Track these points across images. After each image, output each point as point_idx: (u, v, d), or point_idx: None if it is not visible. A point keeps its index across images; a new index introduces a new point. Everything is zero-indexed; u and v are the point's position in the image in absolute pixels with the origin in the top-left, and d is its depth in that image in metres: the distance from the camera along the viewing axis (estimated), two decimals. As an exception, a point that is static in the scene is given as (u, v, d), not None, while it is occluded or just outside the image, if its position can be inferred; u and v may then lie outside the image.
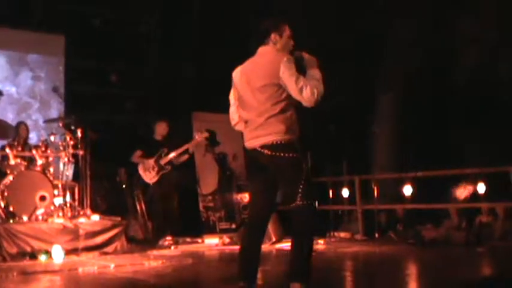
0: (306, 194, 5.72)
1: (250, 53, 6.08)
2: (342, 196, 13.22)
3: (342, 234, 12.45)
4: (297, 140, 5.81)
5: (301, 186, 5.70)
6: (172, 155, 11.08)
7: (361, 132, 13.57)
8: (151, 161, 11.07)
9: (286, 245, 10.86)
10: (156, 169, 11.07)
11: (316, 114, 13.14)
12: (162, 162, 11.07)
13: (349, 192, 13.02)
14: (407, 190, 12.33)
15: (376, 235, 12.19)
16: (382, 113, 13.82)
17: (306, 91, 5.68)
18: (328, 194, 13.16)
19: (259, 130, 5.83)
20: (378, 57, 13.46)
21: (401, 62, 13.41)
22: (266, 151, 5.78)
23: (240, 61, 6.09)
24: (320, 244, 11.07)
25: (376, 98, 13.88)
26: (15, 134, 10.75)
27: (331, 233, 12.51)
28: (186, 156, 11.37)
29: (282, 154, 5.72)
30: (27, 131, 11.10)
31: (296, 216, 5.85)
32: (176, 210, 11.24)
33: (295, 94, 5.72)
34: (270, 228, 11.16)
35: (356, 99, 13.24)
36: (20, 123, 11.16)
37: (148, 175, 11.10)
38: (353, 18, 12.96)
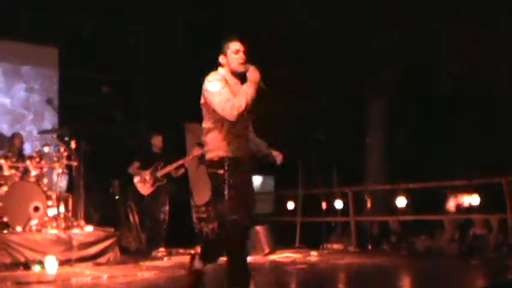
0: (230, 210, 5.89)
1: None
2: (334, 208, 13.25)
3: (335, 246, 12.47)
4: (227, 156, 5.98)
5: (227, 203, 5.92)
6: (168, 168, 11.13)
7: (353, 143, 13.58)
8: (147, 173, 11.11)
9: (278, 256, 10.90)
10: (151, 181, 11.11)
11: (305, 125, 13.32)
12: (159, 174, 11.11)
13: (343, 204, 13.05)
14: (401, 201, 12.36)
15: (370, 247, 12.21)
16: (373, 123, 13.85)
17: (225, 106, 5.84)
18: (321, 205, 13.18)
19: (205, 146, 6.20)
20: (366, 64, 13.50)
21: (389, 69, 13.45)
22: (207, 168, 6.14)
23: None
24: (313, 256, 11.09)
25: (366, 108, 13.91)
26: (10, 144, 10.76)
27: (324, 245, 12.53)
28: (182, 170, 11.44)
29: (212, 170, 6.03)
30: (22, 141, 11.13)
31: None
32: (169, 222, 11.26)
33: (217, 110, 5.91)
34: (263, 239, 11.20)
35: (347, 109, 13.27)
36: (15, 134, 11.20)
37: (144, 187, 11.13)
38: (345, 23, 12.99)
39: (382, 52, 13.31)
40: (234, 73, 6.15)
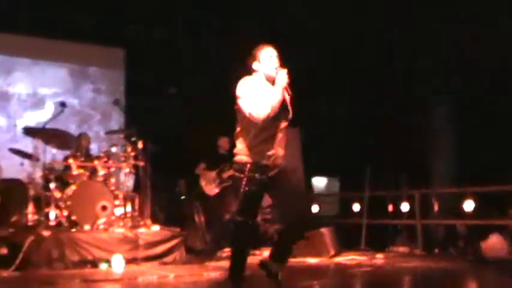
0: (238, 211, 6.32)
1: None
2: (400, 210, 13.11)
3: (401, 249, 12.32)
4: (249, 162, 6.24)
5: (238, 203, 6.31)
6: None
7: (420, 145, 13.40)
8: (213, 174, 11.18)
9: (343, 258, 10.83)
10: (217, 182, 11.16)
11: (372, 127, 13.21)
12: (224, 175, 11.15)
13: (409, 206, 12.90)
14: (468, 205, 12.14)
15: (436, 250, 12.05)
16: (440, 124, 13.66)
17: (252, 110, 6.14)
18: (387, 208, 13.06)
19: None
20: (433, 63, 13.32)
21: (457, 66, 13.23)
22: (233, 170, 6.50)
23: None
24: (379, 258, 10.98)
25: (433, 109, 13.72)
26: (77, 144, 10.88)
27: (390, 248, 12.41)
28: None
29: (235, 174, 6.38)
30: (89, 142, 11.26)
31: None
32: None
33: (246, 114, 6.22)
34: (328, 242, 11.13)
35: (414, 110, 13.11)
36: (82, 134, 11.34)
37: (210, 187, 11.21)
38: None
39: (450, 52, 13.13)
40: (268, 78, 6.37)
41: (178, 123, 13.49)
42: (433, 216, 12.71)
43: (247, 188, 6.21)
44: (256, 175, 6.22)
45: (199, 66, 13.31)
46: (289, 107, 6.42)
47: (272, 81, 6.33)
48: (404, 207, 12.98)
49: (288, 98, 6.37)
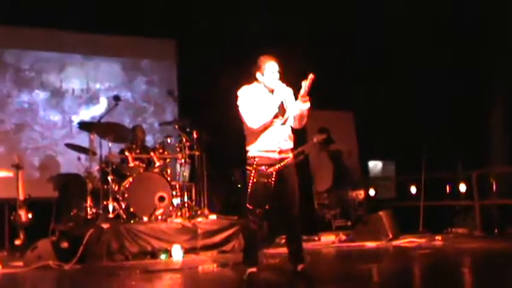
0: (246, 201, 6.89)
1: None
2: (458, 191, 12.96)
3: (460, 230, 12.19)
4: (254, 156, 6.83)
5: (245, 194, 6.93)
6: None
7: (478, 125, 13.21)
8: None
9: (402, 241, 10.75)
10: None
11: (430, 107, 13.06)
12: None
13: (466, 187, 12.75)
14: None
15: (495, 231, 11.89)
16: (498, 104, 13.44)
17: (248, 119, 6.77)
18: (445, 189, 12.92)
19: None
20: (494, 46, 13.11)
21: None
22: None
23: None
24: (437, 240, 10.87)
25: (492, 88, 13.50)
26: (133, 137, 10.95)
27: (449, 229, 12.29)
28: (301, 157, 11.40)
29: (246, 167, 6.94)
30: (144, 133, 11.32)
31: None
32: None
33: (244, 122, 6.86)
34: (386, 225, 11.06)
35: (471, 89, 12.91)
36: (137, 126, 11.38)
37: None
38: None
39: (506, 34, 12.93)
40: (268, 88, 6.87)
41: (232, 112, 13.50)
42: (492, 196, 12.51)
43: (255, 180, 6.74)
44: (264, 167, 6.74)
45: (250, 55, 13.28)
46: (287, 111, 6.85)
47: (272, 91, 6.83)
48: (462, 188, 12.82)
49: (286, 105, 6.84)
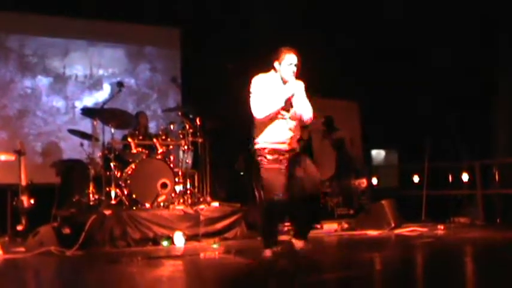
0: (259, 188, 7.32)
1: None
2: (461, 181, 12.95)
3: (462, 220, 12.19)
4: (262, 147, 7.01)
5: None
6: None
7: (481, 115, 13.18)
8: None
9: (404, 230, 10.74)
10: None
11: (435, 97, 13.03)
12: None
13: (469, 177, 12.74)
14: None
15: (498, 221, 11.88)
16: (503, 94, 13.41)
17: (254, 108, 6.93)
18: (448, 178, 12.90)
19: None
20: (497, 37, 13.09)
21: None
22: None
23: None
24: (440, 229, 10.87)
25: (496, 79, 13.46)
26: (136, 123, 10.94)
27: (451, 219, 12.28)
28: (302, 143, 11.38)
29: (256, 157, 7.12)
30: (147, 120, 11.32)
31: None
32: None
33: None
34: (389, 213, 11.05)
35: (475, 81, 12.88)
36: (140, 113, 11.39)
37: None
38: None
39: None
40: (283, 79, 7.02)
41: (235, 99, 13.48)
42: (494, 186, 12.50)
43: (267, 167, 6.93)
44: (275, 156, 6.92)
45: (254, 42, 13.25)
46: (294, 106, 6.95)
47: (285, 83, 6.98)
48: (465, 177, 12.81)
49: (296, 102, 6.95)
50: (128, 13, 13.00)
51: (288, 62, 6.89)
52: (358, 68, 13.39)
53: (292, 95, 6.85)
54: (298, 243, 7.20)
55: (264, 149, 6.93)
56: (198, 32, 13.45)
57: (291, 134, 6.98)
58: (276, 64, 6.97)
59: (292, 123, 7.00)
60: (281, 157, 6.88)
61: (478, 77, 12.82)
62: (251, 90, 6.99)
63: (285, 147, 6.91)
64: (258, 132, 7.01)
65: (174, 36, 14.17)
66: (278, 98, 6.83)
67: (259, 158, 6.97)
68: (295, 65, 6.91)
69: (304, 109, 7.01)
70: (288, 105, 6.89)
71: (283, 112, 6.89)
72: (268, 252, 7.08)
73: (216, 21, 13.32)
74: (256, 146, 7.01)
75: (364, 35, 13.40)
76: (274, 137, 6.91)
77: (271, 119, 6.90)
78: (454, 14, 12.80)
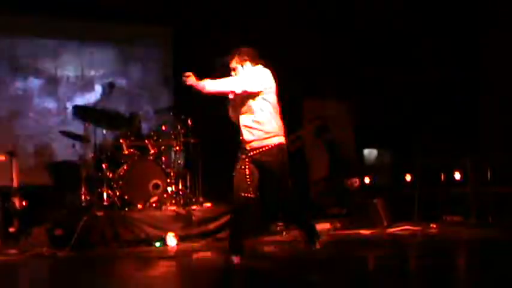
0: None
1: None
2: (453, 179, 12.95)
3: (455, 218, 12.19)
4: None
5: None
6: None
7: (471, 112, 13.21)
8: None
9: (397, 229, 10.75)
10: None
11: (423, 95, 13.05)
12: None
13: (461, 174, 12.74)
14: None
15: (490, 219, 11.89)
16: (490, 86, 13.43)
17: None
18: (440, 177, 12.90)
19: None
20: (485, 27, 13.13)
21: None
22: None
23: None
24: (432, 228, 10.88)
25: (486, 74, 13.49)
26: (129, 124, 10.92)
27: (443, 217, 12.29)
28: (298, 144, 11.40)
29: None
30: (140, 121, 11.28)
31: None
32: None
33: None
34: (382, 213, 11.06)
35: (464, 77, 12.91)
36: (133, 114, 11.34)
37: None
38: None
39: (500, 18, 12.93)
40: None
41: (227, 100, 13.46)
42: (487, 184, 12.49)
43: (237, 166, 7.11)
44: (239, 154, 7.13)
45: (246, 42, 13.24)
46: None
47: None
48: (457, 176, 12.81)
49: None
50: (119, 13, 12.96)
51: (231, 67, 7.28)
52: (349, 67, 13.39)
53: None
54: (316, 245, 7.26)
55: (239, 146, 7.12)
56: (190, 32, 13.42)
57: (244, 132, 7.07)
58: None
59: (247, 120, 7.06)
60: (243, 156, 7.00)
61: (468, 73, 12.85)
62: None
63: (243, 145, 7.06)
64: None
65: (166, 36, 14.13)
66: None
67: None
68: (232, 68, 7.23)
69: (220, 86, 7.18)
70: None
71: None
72: (236, 259, 6.98)
73: (209, 20, 13.31)
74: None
75: (355, 34, 13.40)
76: (240, 135, 7.09)
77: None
78: (445, 11, 12.84)
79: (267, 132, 7.00)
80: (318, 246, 7.14)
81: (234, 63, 7.11)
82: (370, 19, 13.19)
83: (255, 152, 6.97)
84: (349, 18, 13.35)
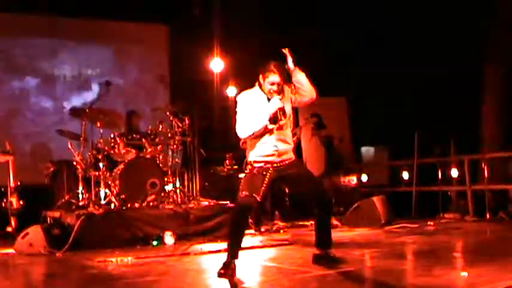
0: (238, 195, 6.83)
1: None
2: (450, 176, 12.97)
3: (452, 216, 12.22)
4: (250, 161, 6.88)
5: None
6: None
7: (469, 110, 13.23)
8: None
9: (395, 226, 10.76)
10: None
11: (421, 93, 13.06)
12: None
13: (458, 172, 12.76)
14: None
15: (487, 216, 11.91)
16: (490, 89, 13.46)
17: (238, 128, 6.81)
18: (437, 175, 12.92)
19: None
20: (483, 27, 13.14)
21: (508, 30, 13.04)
22: None
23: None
24: (430, 226, 10.91)
25: (483, 75, 13.51)
26: (127, 123, 10.92)
27: (441, 215, 12.31)
28: (295, 141, 11.39)
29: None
30: (139, 119, 11.24)
31: None
32: (285, 195, 11.27)
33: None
34: (380, 210, 11.07)
35: (463, 76, 12.92)
36: (132, 112, 11.31)
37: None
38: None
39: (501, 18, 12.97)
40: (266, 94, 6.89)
41: (224, 98, 13.49)
42: (484, 181, 12.51)
43: (252, 172, 6.82)
44: (261, 165, 6.80)
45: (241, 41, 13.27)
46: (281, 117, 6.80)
47: (269, 99, 6.83)
48: (454, 173, 12.83)
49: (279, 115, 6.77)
50: (115, 12, 12.97)
51: (270, 81, 6.78)
52: (347, 65, 13.40)
53: (277, 111, 6.71)
54: (331, 252, 7.05)
55: (253, 162, 6.84)
56: (185, 30, 13.42)
57: (279, 144, 6.85)
58: (260, 78, 6.87)
59: (281, 134, 6.89)
60: (268, 165, 6.80)
61: (465, 71, 12.86)
62: (236, 109, 6.90)
63: (273, 159, 6.81)
64: (248, 147, 6.96)
65: (162, 34, 14.15)
66: (261, 116, 6.72)
67: (246, 167, 6.92)
68: (278, 85, 6.79)
69: (308, 90, 7.03)
70: (273, 120, 6.75)
71: (271, 126, 6.76)
72: (232, 263, 6.68)
73: (204, 18, 13.33)
74: (246, 160, 6.93)
75: (353, 31, 13.42)
76: (262, 151, 6.81)
77: (257, 136, 6.81)
78: (443, 8, 12.87)
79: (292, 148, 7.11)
80: (333, 252, 7.03)
81: (279, 79, 6.86)
82: (368, 15, 13.22)
83: (280, 164, 6.88)
84: (345, 15, 13.36)
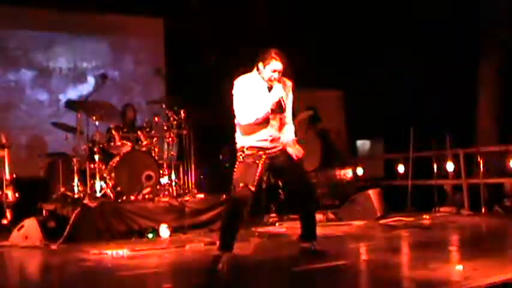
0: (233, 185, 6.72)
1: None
2: (446, 170, 12.98)
3: (447, 209, 12.22)
4: (243, 146, 6.75)
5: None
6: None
7: (465, 104, 13.24)
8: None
9: (390, 220, 10.77)
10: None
11: (417, 86, 13.07)
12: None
13: (454, 166, 12.77)
14: (514, 162, 11.99)
15: (483, 210, 11.92)
16: (486, 83, 13.47)
17: (238, 114, 6.71)
18: (432, 168, 12.93)
19: None
20: (478, 19, 13.16)
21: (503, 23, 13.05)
22: None
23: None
24: (425, 219, 10.91)
25: (479, 68, 13.52)
26: (124, 116, 10.91)
27: (436, 208, 12.32)
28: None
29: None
30: (134, 113, 11.22)
31: None
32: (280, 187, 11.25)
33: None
34: (375, 203, 11.07)
35: (459, 70, 12.93)
36: (127, 106, 11.29)
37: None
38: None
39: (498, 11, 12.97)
40: (266, 81, 6.75)
41: (220, 91, 13.45)
42: (479, 175, 12.52)
43: (242, 160, 6.73)
44: (253, 151, 6.72)
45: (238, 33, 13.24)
46: (284, 106, 6.80)
47: (270, 87, 6.73)
48: (450, 167, 12.84)
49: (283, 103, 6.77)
50: (110, 4, 12.94)
51: (272, 68, 6.63)
52: (342, 57, 13.40)
53: (279, 100, 6.67)
54: (314, 245, 7.06)
55: (244, 146, 6.75)
56: (182, 22, 13.39)
57: (274, 131, 6.81)
58: (260, 65, 6.70)
59: (277, 122, 6.84)
60: (260, 152, 6.72)
61: (460, 65, 12.87)
62: (234, 93, 6.76)
63: (266, 144, 6.74)
64: (240, 131, 6.84)
65: (158, 27, 14.11)
66: (263, 103, 6.64)
67: (238, 154, 6.80)
68: (279, 72, 6.66)
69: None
70: (277, 108, 6.71)
71: (270, 116, 6.71)
72: (224, 256, 6.66)
73: (200, 10, 13.30)
74: (238, 144, 6.84)
75: (347, 24, 13.41)
76: (256, 136, 6.73)
77: (257, 124, 6.70)
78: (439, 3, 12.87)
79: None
80: (316, 246, 7.02)
81: (281, 67, 6.70)
82: (363, 8, 13.22)
83: (272, 150, 6.83)
84: (342, 8, 13.35)
